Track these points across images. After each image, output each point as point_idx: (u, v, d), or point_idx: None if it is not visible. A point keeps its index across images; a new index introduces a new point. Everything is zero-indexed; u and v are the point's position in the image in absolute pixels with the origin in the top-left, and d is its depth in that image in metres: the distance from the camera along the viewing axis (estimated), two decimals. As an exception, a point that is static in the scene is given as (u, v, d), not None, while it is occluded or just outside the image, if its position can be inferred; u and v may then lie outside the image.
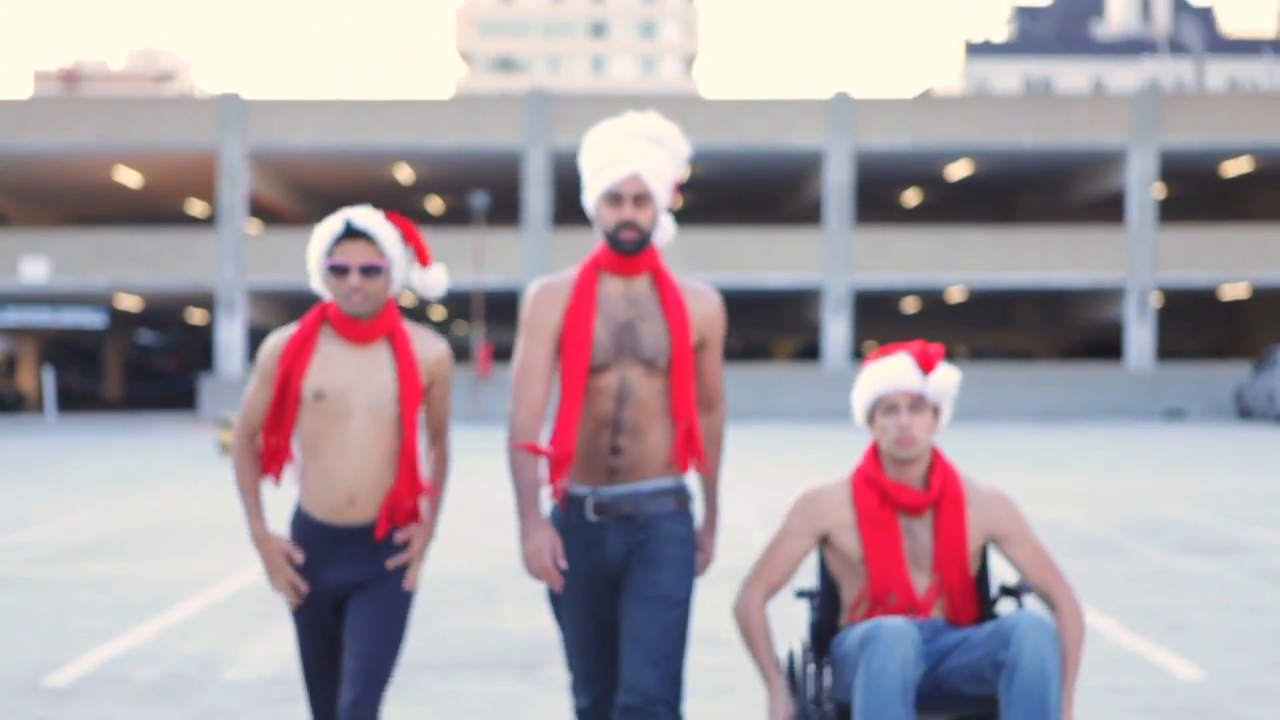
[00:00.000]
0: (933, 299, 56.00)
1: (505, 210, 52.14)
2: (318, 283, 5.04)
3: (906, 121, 46.56)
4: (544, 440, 7.61)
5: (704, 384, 5.08)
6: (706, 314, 5.00)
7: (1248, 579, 11.88)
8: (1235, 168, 49.96)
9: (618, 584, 4.93)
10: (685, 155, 5.02)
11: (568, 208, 51.10)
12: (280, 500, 9.02)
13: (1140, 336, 46.25)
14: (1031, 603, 10.06)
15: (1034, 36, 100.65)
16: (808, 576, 10.74)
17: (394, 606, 5.02)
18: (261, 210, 52.69)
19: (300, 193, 53.35)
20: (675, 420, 4.94)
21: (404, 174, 49.90)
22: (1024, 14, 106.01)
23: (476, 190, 49.07)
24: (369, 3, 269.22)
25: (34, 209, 55.76)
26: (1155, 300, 47.29)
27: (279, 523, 6.44)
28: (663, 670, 4.78)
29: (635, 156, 4.89)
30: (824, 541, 5.11)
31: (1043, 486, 20.08)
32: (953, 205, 57.31)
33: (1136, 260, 46.36)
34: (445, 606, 10.59)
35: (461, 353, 58.25)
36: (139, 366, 70.01)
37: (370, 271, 4.95)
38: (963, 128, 46.48)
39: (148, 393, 64.41)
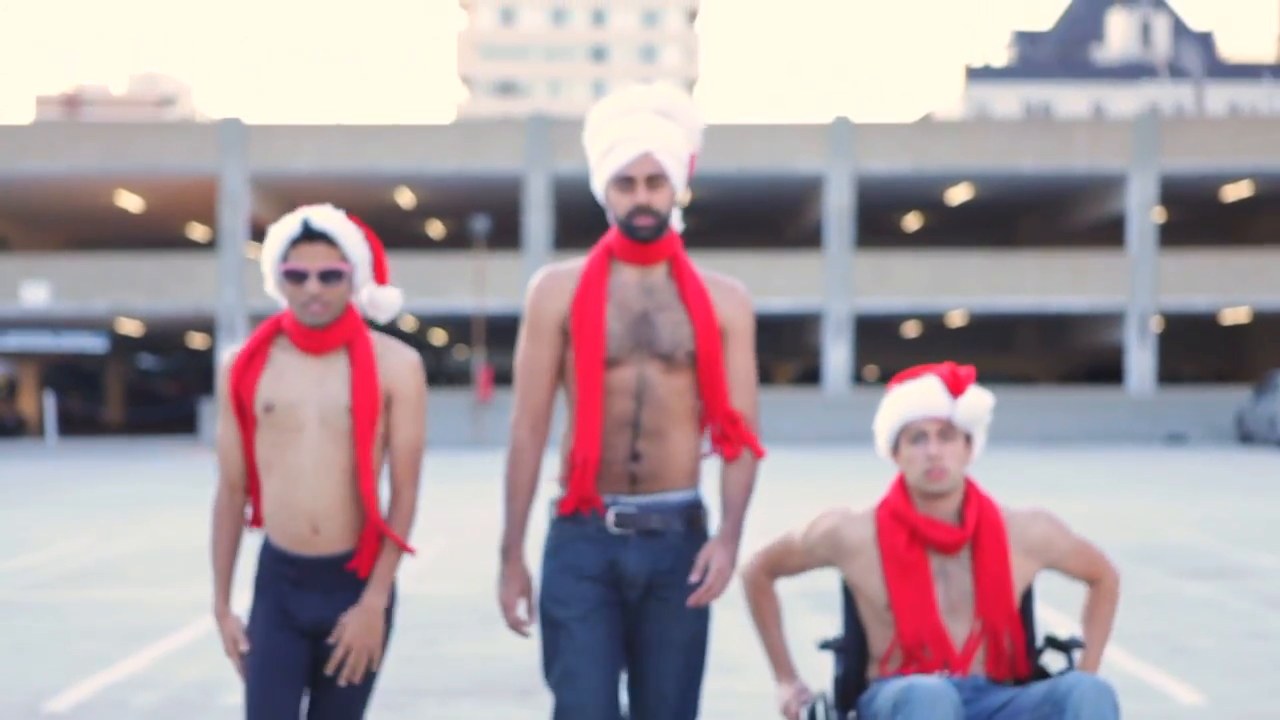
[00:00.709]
0: (933, 323, 56.02)
1: (506, 234, 52.18)
2: (272, 288, 4.58)
3: (907, 146, 46.62)
4: (551, 449, 7.53)
5: (732, 395, 4.58)
6: (732, 307, 4.54)
7: (1249, 604, 11.86)
8: (1235, 192, 50.00)
9: (631, 608, 4.52)
10: (700, 128, 4.54)
11: (569, 232, 51.14)
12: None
13: (1141, 361, 46.25)
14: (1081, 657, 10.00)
15: (1034, 61, 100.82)
16: (830, 623, 10.70)
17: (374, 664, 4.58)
18: (262, 234, 52.68)
19: (301, 217, 53.30)
20: (711, 416, 4.50)
21: (405, 198, 49.96)
22: (1024, 39, 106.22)
23: (477, 214, 49.09)
24: (370, 27, 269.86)
25: (35, 233, 55.80)
26: (1156, 324, 47.30)
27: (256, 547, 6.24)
28: None
29: (646, 134, 4.43)
30: (844, 578, 4.63)
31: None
32: (953, 229, 57.36)
33: (1137, 284, 46.38)
34: (444, 630, 10.57)
35: (462, 377, 58.25)
36: (140, 391, 69.99)
37: (330, 277, 4.47)
38: (963, 152, 46.53)
39: (149, 417, 64.39)
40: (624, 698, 4.59)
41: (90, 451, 40.34)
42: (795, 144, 46.59)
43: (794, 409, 46.02)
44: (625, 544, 4.48)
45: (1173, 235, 54.27)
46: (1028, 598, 4.70)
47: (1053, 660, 8.68)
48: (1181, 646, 9.91)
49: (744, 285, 4.60)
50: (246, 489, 4.61)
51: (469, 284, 45.36)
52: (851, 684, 4.70)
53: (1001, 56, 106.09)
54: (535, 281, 4.55)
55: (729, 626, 9.99)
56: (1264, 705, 8.16)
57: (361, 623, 4.49)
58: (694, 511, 4.55)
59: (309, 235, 4.49)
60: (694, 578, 4.39)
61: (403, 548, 4.55)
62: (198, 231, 56.72)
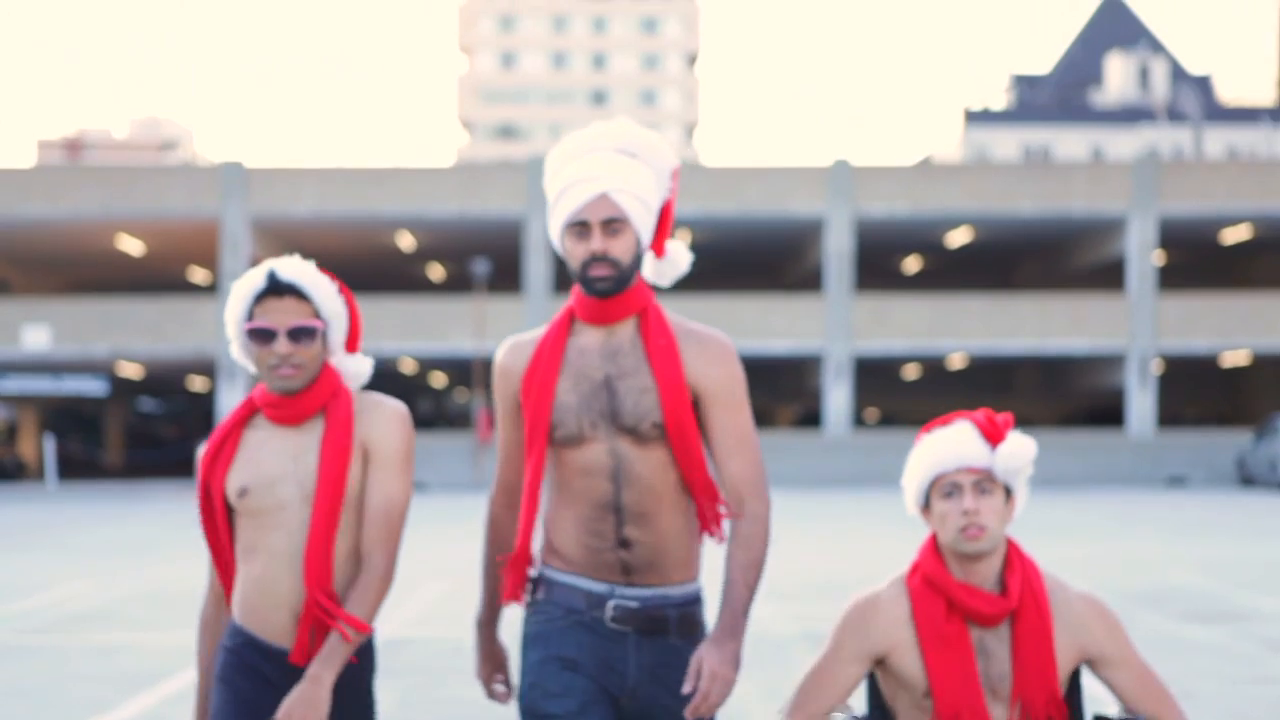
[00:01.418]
0: (933, 366, 56.02)
1: (506, 277, 52.24)
2: (238, 352, 4.11)
3: (906, 189, 46.71)
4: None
5: (721, 464, 3.99)
6: (707, 363, 3.97)
7: (1252, 648, 11.83)
8: (1235, 235, 50.08)
9: (624, 710, 4.02)
10: (669, 168, 4.01)
11: (569, 275, 51.12)
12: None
13: (1141, 403, 46.23)
14: None
15: (1033, 105, 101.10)
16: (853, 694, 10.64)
17: None
18: (263, 278, 52.65)
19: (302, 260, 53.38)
20: (694, 494, 3.96)
21: (405, 241, 50.03)
22: (1022, 82, 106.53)
23: (478, 257, 49.17)
24: (371, 71, 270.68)
25: (36, 277, 55.87)
26: (1156, 367, 47.30)
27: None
28: None
29: (603, 174, 3.93)
30: (878, 663, 4.05)
31: (1045, 555, 20.00)
32: (953, 272, 57.43)
33: (1137, 327, 46.40)
34: (451, 675, 10.53)
35: (463, 420, 58.22)
36: (140, 434, 69.95)
37: (301, 335, 3.99)
38: (962, 195, 46.62)
39: (149, 460, 64.31)
40: None
41: (90, 495, 40.29)
42: (795, 187, 46.68)
43: (794, 451, 45.97)
44: (624, 642, 3.99)
45: (1172, 278, 54.33)
46: (1075, 677, 4.13)
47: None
48: (1184, 691, 9.87)
49: (728, 336, 4.05)
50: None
51: (469, 327, 45.40)
52: None
53: (1000, 100, 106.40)
54: (497, 356, 4.12)
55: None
56: (1267, 749, 8.12)
57: (302, 695, 3.88)
58: (688, 609, 4.04)
59: (276, 289, 4.01)
60: (686, 687, 3.84)
61: (356, 626, 3.94)
62: (198, 275, 56.77)
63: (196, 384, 63.10)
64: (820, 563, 18.79)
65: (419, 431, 50.67)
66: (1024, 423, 59.26)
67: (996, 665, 3.97)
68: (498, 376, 4.09)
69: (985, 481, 3.99)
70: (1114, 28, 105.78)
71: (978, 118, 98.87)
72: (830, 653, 4.04)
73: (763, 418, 61.33)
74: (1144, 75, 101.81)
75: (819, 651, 4.08)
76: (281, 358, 3.99)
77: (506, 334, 45.63)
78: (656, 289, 4.41)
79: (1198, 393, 58.58)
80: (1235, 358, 50.31)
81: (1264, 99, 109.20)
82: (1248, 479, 43.52)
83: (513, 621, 7.78)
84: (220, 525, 4.10)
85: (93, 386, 50.37)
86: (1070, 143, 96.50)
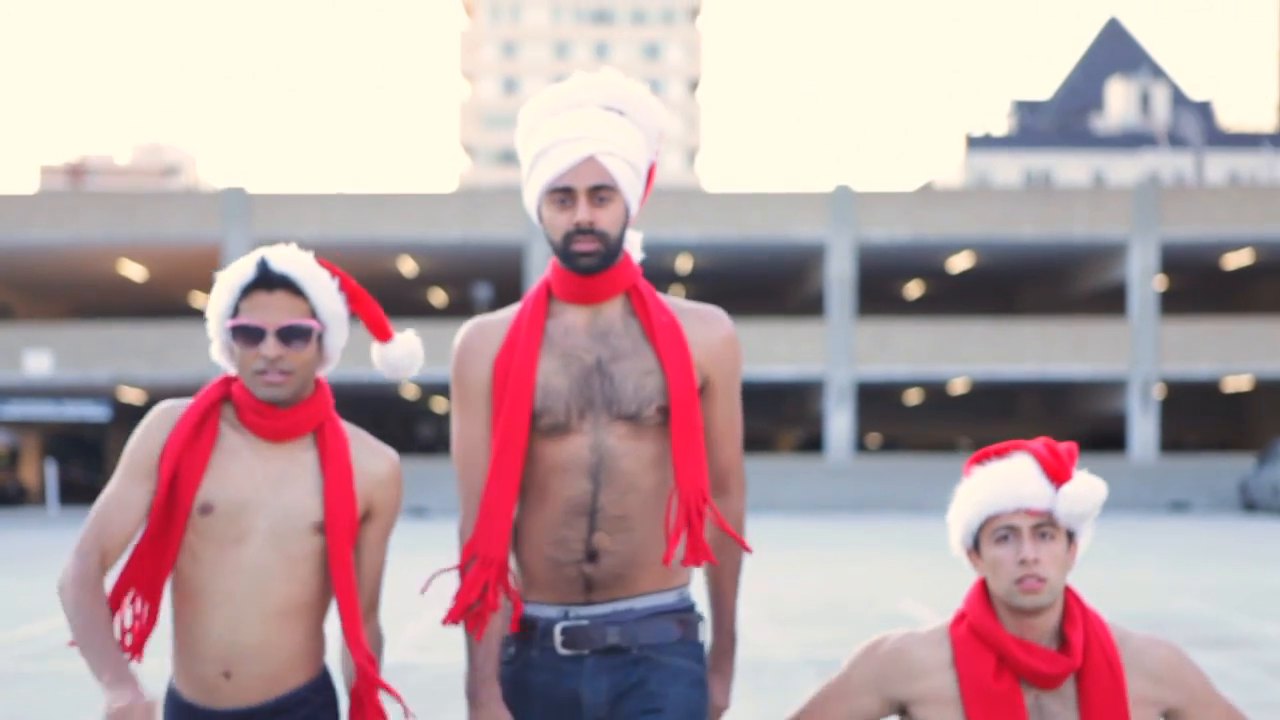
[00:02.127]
0: (935, 391, 56.00)
1: (508, 302, 52.20)
2: (219, 353, 3.49)
3: (908, 214, 46.75)
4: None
5: (713, 450, 3.56)
6: (712, 343, 3.52)
7: (1255, 674, 11.81)
8: (1236, 260, 50.10)
9: None
10: (659, 129, 3.53)
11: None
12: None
13: (1143, 428, 46.20)
14: None
15: (1034, 130, 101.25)
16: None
17: None
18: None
19: (304, 286, 53.48)
20: (680, 495, 3.43)
21: (407, 266, 50.07)
22: (1024, 108, 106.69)
23: (480, 283, 49.19)
24: (373, 97, 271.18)
25: (38, 302, 55.91)
26: (1158, 392, 47.28)
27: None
28: None
29: (590, 132, 3.41)
30: (901, 712, 3.56)
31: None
32: (954, 297, 57.45)
33: (1139, 352, 46.39)
34: (452, 700, 10.51)
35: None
36: (141, 459, 69.91)
37: (295, 336, 3.40)
38: (964, 220, 46.65)
39: (150, 485, 64.19)
40: None
41: (91, 520, 40.20)
42: (796, 212, 46.72)
43: (796, 476, 45.94)
44: (579, 668, 3.47)
45: (1174, 303, 54.36)
46: None
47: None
48: (1187, 716, 9.84)
49: (728, 320, 3.62)
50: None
51: (471, 352, 45.39)
52: None
53: (1002, 125, 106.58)
54: (458, 339, 3.55)
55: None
56: (1271, 776, 8.10)
57: None
58: (675, 615, 3.52)
59: (266, 281, 3.41)
60: None
61: (390, 692, 3.52)
62: (200, 300, 56.80)
63: (198, 409, 63.05)
64: (822, 588, 18.76)
65: (421, 457, 50.67)
66: (1026, 448, 59.17)
67: None
68: (461, 362, 3.51)
69: (1046, 526, 3.46)
70: (1115, 53, 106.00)
71: (979, 143, 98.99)
72: (841, 683, 3.57)
73: (765, 443, 61.31)
74: (1145, 101, 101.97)
75: (831, 675, 3.67)
76: (269, 361, 3.38)
77: (508, 359, 45.62)
78: None
79: (1200, 418, 58.55)
80: (1237, 383, 50.29)
81: (1265, 124, 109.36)
82: (1250, 504, 43.46)
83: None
84: (174, 538, 3.42)
85: (95, 412, 50.37)
86: (1071, 168, 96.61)
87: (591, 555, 3.45)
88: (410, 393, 55.68)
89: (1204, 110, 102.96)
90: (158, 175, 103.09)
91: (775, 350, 46.46)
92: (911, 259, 49.87)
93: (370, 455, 3.49)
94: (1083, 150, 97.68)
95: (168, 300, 56.77)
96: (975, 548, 3.51)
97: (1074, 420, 58.53)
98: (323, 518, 3.41)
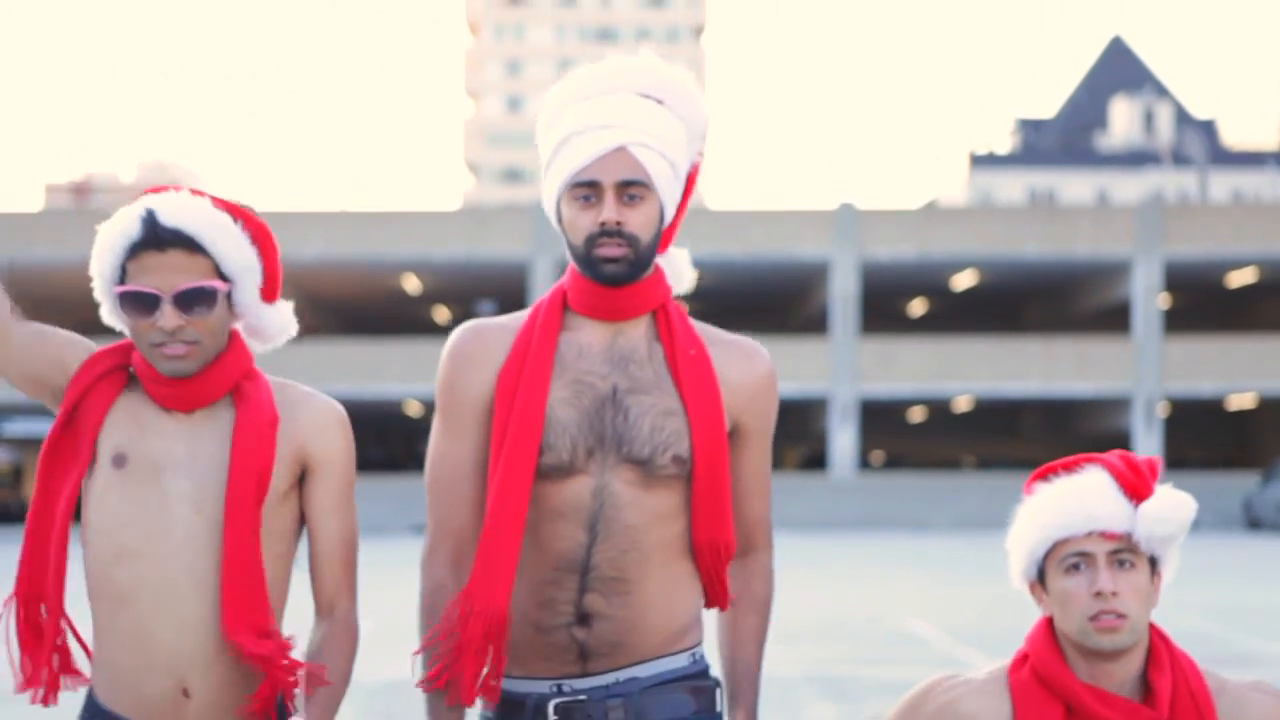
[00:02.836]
0: (939, 408, 55.98)
1: (512, 320, 52.34)
2: (109, 315, 3.02)
3: (912, 232, 46.78)
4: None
5: (739, 505, 3.03)
6: (748, 383, 3.06)
7: (1259, 691, 11.77)
8: (1240, 278, 50.11)
9: None
10: (703, 124, 3.03)
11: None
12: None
13: (1147, 446, 46.17)
14: None
15: (1038, 148, 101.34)
16: (845, 714, 10.59)
17: None
18: (269, 321, 52.81)
19: (308, 303, 53.53)
20: (703, 557, 2.96)
21: (411, 284, 50.10)
22: (1028, 126, 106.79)
23: (484, 300, 49.24)
24: (378, 114, 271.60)
25: (42, 320, 55.77)
26: (1162, 410, 47.26)
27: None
28: None
29: (622, 120, 2.92)
30: None
31: (1051, 597, 19.94)
32: (958, 315, 57.48)
33: (1142, 370, 46.38)
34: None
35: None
36: (145, 476, 70.00)
37: (196, 301, 2.85)
38: (968, 238, 46.68)
39: (153, 503, 64.26)
40: None
41: (95, 537, 40.19)
42: (800, 230, 46.76)
43: (800, 494, 45.93)
44: None
45: (1178, 321, 54.37)
46: None
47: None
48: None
49: (768, 358, 3.20)
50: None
51: (475, 370, 45.43)
52: None
53: (1006, 143, 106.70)
54: (451, 343, 3.02)
55: None
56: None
57: None
58: (687, 683, 3.00)
59: (156, 239, 2.86)
60: None
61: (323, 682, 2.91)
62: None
63: (202, 426, 63.17)
64: (827, 605, 18.73)
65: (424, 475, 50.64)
66: (1029, 466, 59.17)
67: None
68: (454, 370, 2.99)
69: (1125, 552, 2.94)
70: (1119, 72, 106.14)
71: (983, 161, 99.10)
72: None
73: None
74: (1149, 119, 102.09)
75: None
76: (168, 334, 2.85)
77: (512, 377, 45.65)
78: None
79: (1204, 436, 58.52)
80: (1241, 400, 50.26)
81: (1269, 143, 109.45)
82: (1255, 522, 43.42)
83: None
84: (69, 501, 2.89)
85: (98, 429, 50.40)
86: (1075, 186, 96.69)
87: (583, 618, 2.92)
88: (414, 410, 55.72)
89: (1208, 129, 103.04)
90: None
91: (779, 368, 45.83)
92: (915, 277, 49.89)
93: (302, 403, 2.95)
94: (1087, 168, 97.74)
95: (172, 318, 56.85)
96: (1040, 579, 2.97)
97: (1078, 438, 58.47)
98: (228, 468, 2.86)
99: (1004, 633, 15.69)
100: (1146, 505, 2.97)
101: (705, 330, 3.06)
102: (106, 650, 2.85)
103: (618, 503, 2.92)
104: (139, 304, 2.88)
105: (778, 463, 61.05)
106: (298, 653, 2.87)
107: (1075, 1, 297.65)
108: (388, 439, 61.09)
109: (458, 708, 2.94)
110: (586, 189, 2.91)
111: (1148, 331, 46.51)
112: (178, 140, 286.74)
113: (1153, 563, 2.99)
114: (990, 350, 46.98)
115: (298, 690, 2.86)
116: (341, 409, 3.02)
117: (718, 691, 3.06)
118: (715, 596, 3.01)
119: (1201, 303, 54.91)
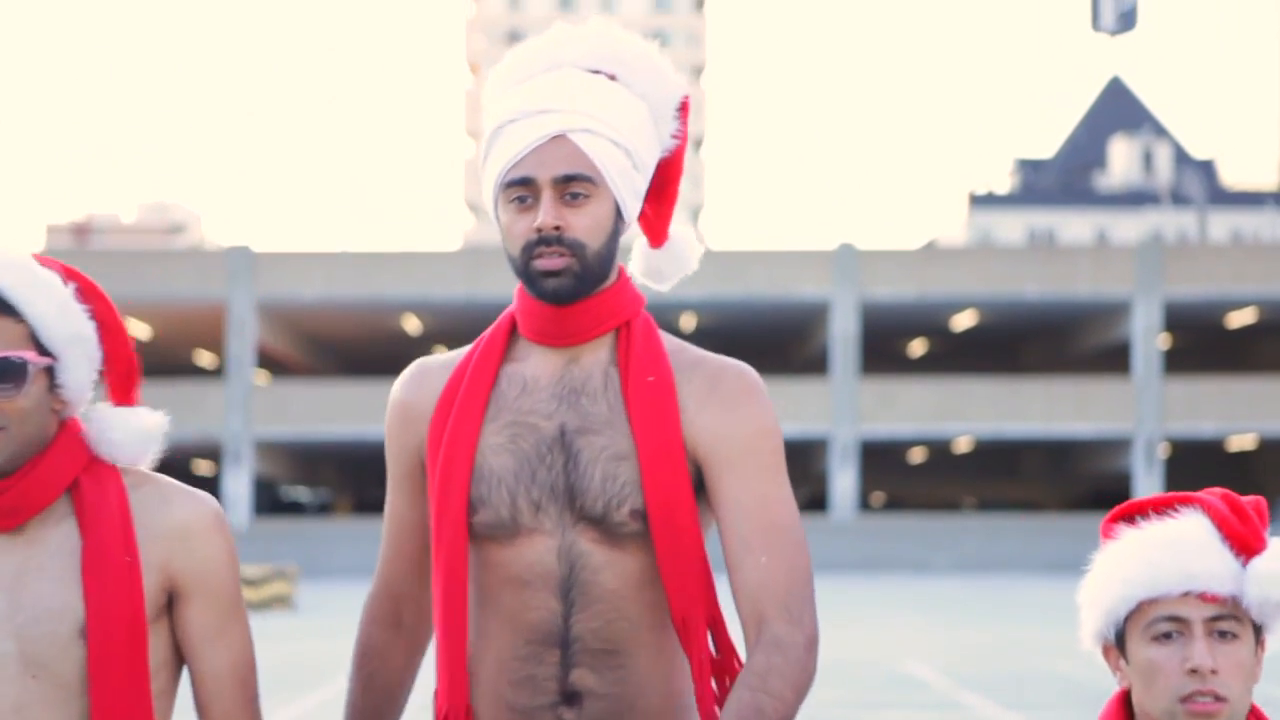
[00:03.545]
0: (940, 449, 55.95)
1: (512, 361, 52.36)
2: None
3: (911, 272, 46.84)
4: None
5: (735, 562, 2.42)
6: (719, 409, 2.44)
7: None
8: (1240, 319, 50.14)
9: None
10: (673, 98, 2.49)
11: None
12: None
13: (1148, 487, 46.12)
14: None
15: (1037, 188, 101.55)
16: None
17: None
18: (269, 361, 52.86)
19: (308, 344, 53.56)
20: (683, 633, 2.43)
21: (412, 325, 50.13)
22: (1027, 166, 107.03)
23: (483, 341, 49.28)
24: (378, 156, 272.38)
25: (43, 360, 55.98)
26: (1162, 451, 47.24)
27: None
28: None
29: (562, 102, 2.42)
30: None
31: (1051, 640, 19.88)
32: (958, 356, 57.49)
33: (1143, 411, 46.37)
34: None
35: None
36: (144, 517, 69.87)
37: (3, 379, 2.24)
38: (967, 278, 46.74)
39: (153, 544, 64.08)
40: None
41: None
42: (800, 270, 46.82)
43: (800, 536, 45.85)
44: None
45: (1178, 362, 54.38)
46: None
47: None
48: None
49: (756, 379, 2.50)
50: None
51: (475, 410, 45.44)
52: None
53: (1005, 184, 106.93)
54: (393, 387, 2.58)
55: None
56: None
57: None
58: None
59: None
60: None
61: None
62: (205, 358, 56.88)
63: (201, 468, 63.06)
64: (827, 648, 18.62)
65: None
66: (1030, 506, 59.13)
67: None
68: (391, 416, 2.56)
69: (1228, 619, 2.35)
70: (1118, 112, 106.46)
71: (982, 201, 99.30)
72: None
73: (769, 501, 61.24)
74: (1148, 159, 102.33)
75: None
76: None
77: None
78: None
79: (1204, 476, 58.39)
80: (1242, 441, 50.23)
81: (1268, 183, 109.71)
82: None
83: None
84: None
85: (98, 470, 50.40)
86: (1075, 226, 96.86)
87: (570, 697, 2.44)
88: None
89: (1207, 169, 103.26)
90: (163, 234, 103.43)
91: (778, 408, 46.10)
92: (915, 317, 49.93)
93: (162, 504, 2.35)
94: (1086, 208, 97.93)
95: (172, 358, 56.84)
96: (1119, 643, 2.40)
97: (1078, 479, 58.47)
98: (83, 611, 2.23)
99: (1005, 676, 15.64)
100: (1258, 564, 2.35)
101: (681, 351, 2.49)
102: None
103: (590, 565, 2.42)
104: None
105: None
106: None
107: (1074, 42, 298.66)
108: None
109: None
110: (520, 188, 2.43)
111: (1148, 372, 46.52)
112: (179, 181, 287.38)
113: (1256, 630, 2.40)
114: (990, 391, 46.98)
115: None
116: (216, 506, 2.41)
117: None
118: (700, 686, 2.45)
119: (1201, 343, 54.93)
